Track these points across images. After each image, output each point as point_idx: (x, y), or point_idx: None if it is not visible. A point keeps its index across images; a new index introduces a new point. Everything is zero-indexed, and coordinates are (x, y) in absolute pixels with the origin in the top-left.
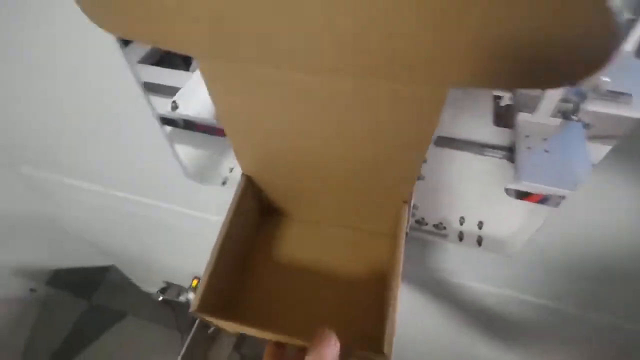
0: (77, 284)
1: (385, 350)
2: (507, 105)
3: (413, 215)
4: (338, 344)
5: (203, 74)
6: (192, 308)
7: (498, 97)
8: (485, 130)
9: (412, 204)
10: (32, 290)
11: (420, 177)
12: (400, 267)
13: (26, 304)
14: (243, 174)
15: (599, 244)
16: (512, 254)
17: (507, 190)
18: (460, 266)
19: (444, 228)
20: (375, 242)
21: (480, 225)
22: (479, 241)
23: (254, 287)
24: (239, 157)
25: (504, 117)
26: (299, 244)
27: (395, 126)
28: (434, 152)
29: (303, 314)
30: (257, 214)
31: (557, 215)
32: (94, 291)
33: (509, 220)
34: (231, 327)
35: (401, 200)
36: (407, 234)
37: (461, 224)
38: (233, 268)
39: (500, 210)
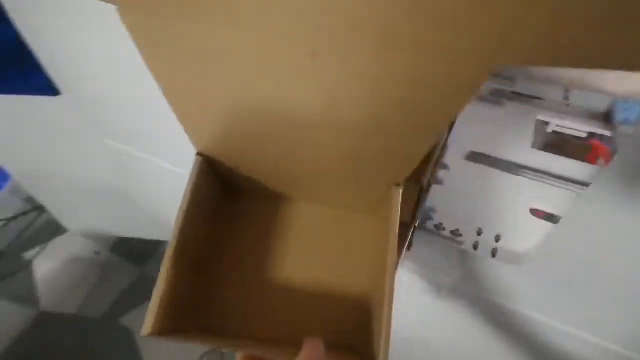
0: (135, 253)
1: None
2: (555, 132)
3: (431, 218)
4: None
5: (128, 30)
6: (145, 331)
7: (545, 123)
8: (521, 151)
9: (423, 203)
10: (96, 253)
11: (438, 182)
12: (394, 263)
13: (90, 264)
14: (198, 155)
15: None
16: (524, 264)
17: (532, 211)
18: (470, 274)
19: (460, 235)
20: (364, 226)
21: (497, 238)
22: (494, 253)
23: (222, 288)
24: (190, 134)
25: (550, 144)
26: (271, 229)
27: (406, 109)
28: (461, 163)
29: (280, 314)
30: (218, 199)
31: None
32: (146, 262)
33: (529, 238)
34: (198, 344)
35: (393, 183)
36: (414, 228)
37: (479, 234)
38: (194, 272)
39: (521, 228)
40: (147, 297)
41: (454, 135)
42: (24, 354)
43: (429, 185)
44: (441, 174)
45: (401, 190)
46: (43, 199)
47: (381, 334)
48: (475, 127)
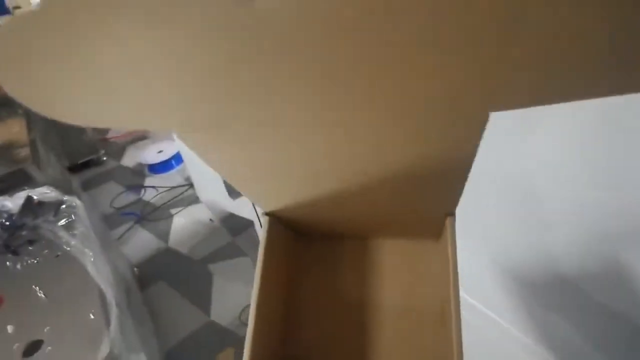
0: (233, 226)
1: None
2: None
3: None
4: None
5: (189, 147)
6: None
7: None
8: None
9: None
10: (211, 220)
11: None
12: (457, 296)
13: (204, 225)
14: (266, 215)
15: None
16: None
17: None
18: None
19: None
20: (431, 250)
21: None
22: None
23: (306, 331)
24: (256, 203)
25: None
26: (344, 266)
27: (429, 155)
28: None
29: (362, 347)
30: (291, 246)
31: None
32: (238, 234)
33: None
34: None
35: (443, 214)
36: None
37: None
38: (278, 318)
39: None
40: (229, 257)
41: None
42: (150, 269)
43: None
44: None
45: (453, 220)
46: (194, 179)
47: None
48: None
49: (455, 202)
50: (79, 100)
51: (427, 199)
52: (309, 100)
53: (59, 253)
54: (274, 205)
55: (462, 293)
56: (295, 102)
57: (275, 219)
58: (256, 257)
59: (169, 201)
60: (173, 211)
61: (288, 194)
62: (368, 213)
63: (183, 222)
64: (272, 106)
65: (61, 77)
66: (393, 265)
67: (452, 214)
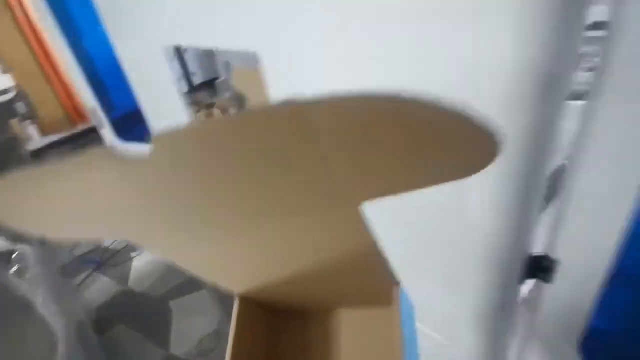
0: None
1: None
2: None
3: None
4: None
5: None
6: None
7: None
8: None
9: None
10: None
11: None
12: (401, 354)
13: (162, 265)
14: (236, 296)
15: None
16: None
17: None
18: None
19: None
20: (381, 321)
21: None
22: None
23: None
24: (227, 287)
25: None
26: (310, 340)
27: (335, 244)
28: None
29: None
30: (261, 327)
31: None
32: None
33: None
34: None
35: (389, 284)
36: None
37: None
38: None
39: None
40: (187, 292)
41: None
42: (110, 312)
43: None
44: None
45: (398, 289)
46: None
47: None
48: None
49: (390, 275)
50: (59, 227)
51: (365, 276)
52: (228, 219)
53: (10, 297)
54: (241, 288)
55: (428, 330)
56: (216, 221)
57: (245, 299)
58: (214, 290)
59: (128, 246)
60: (133, 254)
61: (250, 280)
62: (324, 290)
63: (142, 264)
64: (201, 228)
65: (45, 214)
66: (351, 332)
67: (397, 283)
